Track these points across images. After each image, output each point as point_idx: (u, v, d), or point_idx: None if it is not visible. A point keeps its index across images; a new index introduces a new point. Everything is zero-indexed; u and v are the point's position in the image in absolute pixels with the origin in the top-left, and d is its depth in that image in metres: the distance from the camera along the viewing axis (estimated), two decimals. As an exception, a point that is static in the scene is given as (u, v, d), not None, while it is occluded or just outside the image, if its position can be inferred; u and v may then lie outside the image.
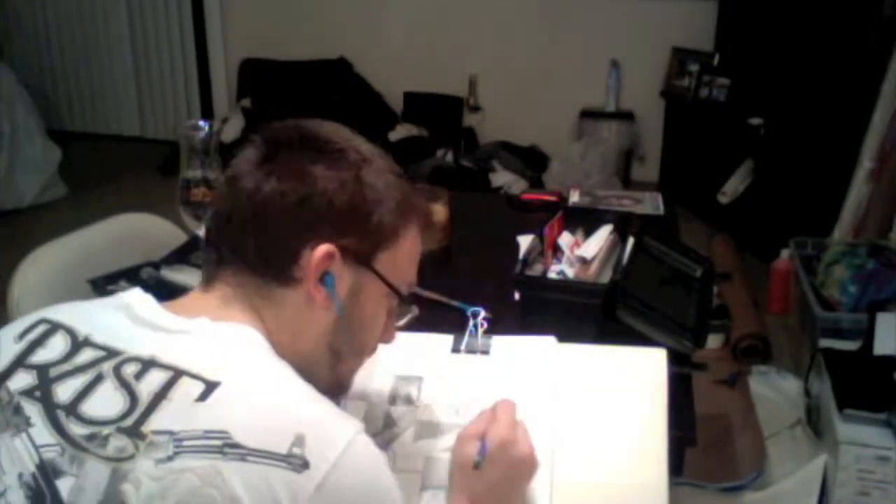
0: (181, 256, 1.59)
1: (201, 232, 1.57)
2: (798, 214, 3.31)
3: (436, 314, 1.42)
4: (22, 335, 0.84)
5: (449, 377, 1.22)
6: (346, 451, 0.74)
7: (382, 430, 1.12)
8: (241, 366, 0.79)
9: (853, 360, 2.27)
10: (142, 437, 0.73)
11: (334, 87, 4.68)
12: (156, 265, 1.51)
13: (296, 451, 0.72)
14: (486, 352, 1.27)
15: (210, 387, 0.75)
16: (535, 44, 4.52)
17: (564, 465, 1.06)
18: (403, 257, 0.91)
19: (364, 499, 0.77)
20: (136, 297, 0.87)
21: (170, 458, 0.71)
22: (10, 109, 4.13)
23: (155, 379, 0.76)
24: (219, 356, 0.80)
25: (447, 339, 1.30)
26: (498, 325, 1.34)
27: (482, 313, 1.32)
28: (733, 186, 3.86)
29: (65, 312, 0.87)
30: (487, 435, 0.93)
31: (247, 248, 0.85)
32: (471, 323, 1.32)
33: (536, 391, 1.17)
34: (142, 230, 1.71)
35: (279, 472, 0.71)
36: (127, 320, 0.84)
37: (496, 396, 1.17)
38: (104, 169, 4.69)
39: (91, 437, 0.74)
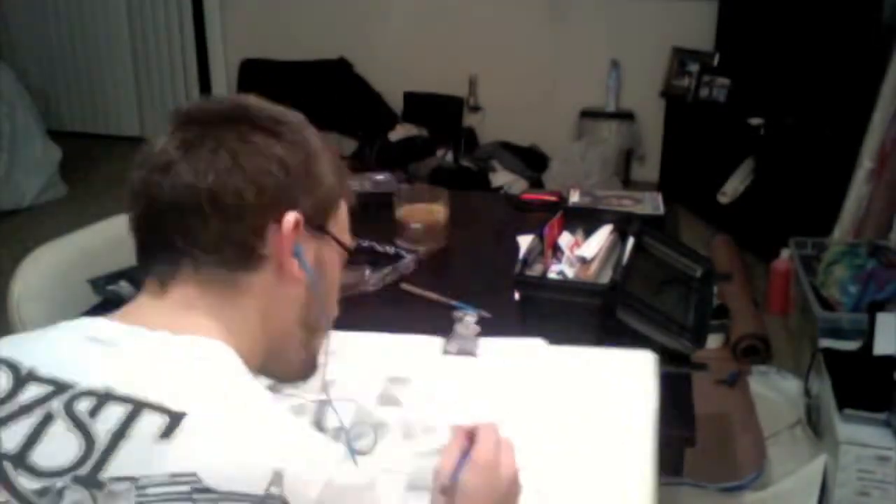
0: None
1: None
2: (798, 214, 3.31)
3: (433, 315, 1.42)
4: None
5: (437, 379, 1.22)
6: (329, 484, 0.68)
7: (370, 430, 1.12)
8: (208, 391, 0.71)
9: (853, 360, 2.27)
10: (99, 486, 0.64)
11: (334, 87, 4.68)
12: (156, 265, 1.50)
13: (274, 490, 0.65)
14: (474, 354, 1.28)
15: (174, 419, 0.66)
16: (535, 44, 4.52)
17: (548, 466, 1.05)
18: (344, 217, 0.88)
19: None
20: (87, 319, 0.77)
21: None
22: (10, 109, 4.13)
23: (112, 415, 0.67)
24: (183, 380, 0.71)
25: (437, 342, 1.30)
26: (498, 326, 1.34)
27: (473, 315, 1.32)
28: (733, 186, 3.86)
29: (5, 345, 0.76)
30: (471, 457, 0.87)
31: (207, 236, 0.76)
32: (455, 325, 1.32)
33: (522, 393, 1.18)
34: (142, 230, 1.71)
35: None
36: (75, 341, 0.74)
37: (483, 398, 1.17)
38: (104, 169, 4.68)
39: (43, 492, 0.64)
